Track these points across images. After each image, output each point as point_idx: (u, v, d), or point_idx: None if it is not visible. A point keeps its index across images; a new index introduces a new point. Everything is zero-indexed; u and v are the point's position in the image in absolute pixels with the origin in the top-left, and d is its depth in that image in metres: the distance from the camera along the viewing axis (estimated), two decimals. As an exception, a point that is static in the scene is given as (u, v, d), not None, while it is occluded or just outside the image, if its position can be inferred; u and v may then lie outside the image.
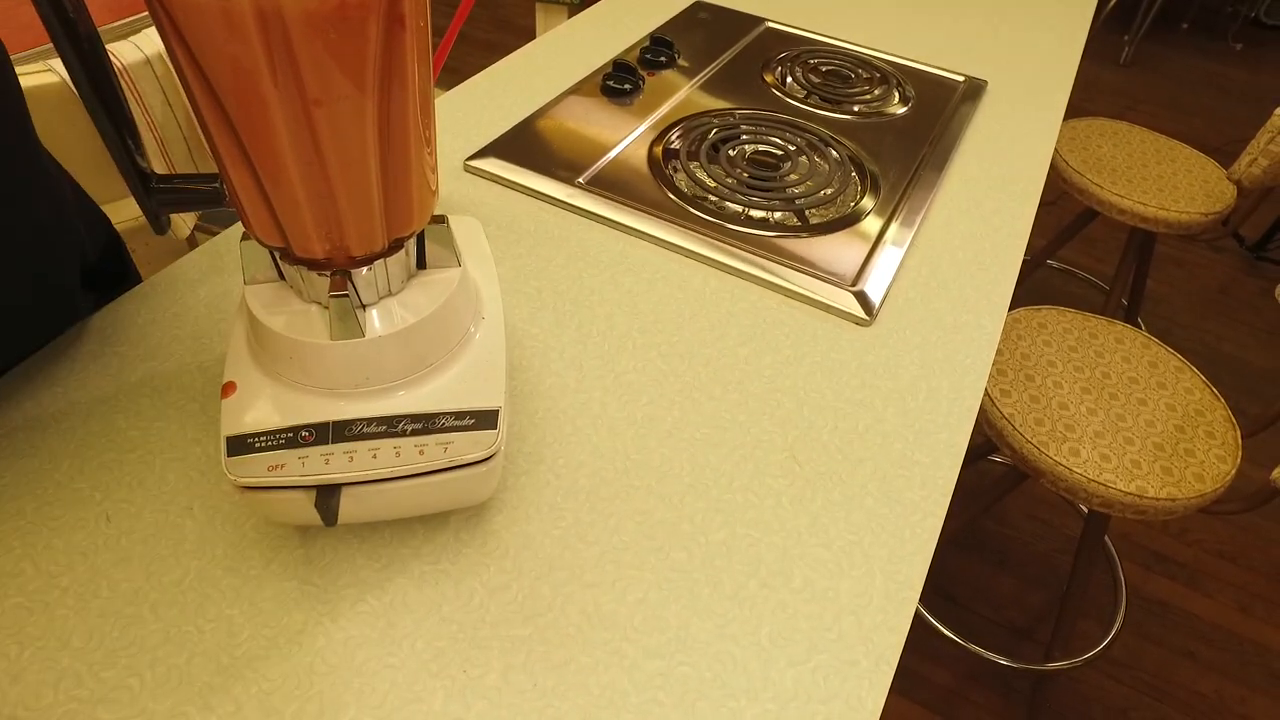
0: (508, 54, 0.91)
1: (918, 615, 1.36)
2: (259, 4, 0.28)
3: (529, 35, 3.02)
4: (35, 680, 0.38)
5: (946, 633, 1.34)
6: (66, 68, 0.37)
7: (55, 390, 0.50)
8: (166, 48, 0.31)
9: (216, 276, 0.60)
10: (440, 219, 0.41)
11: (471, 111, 0.80)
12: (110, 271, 0.58)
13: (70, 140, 1.00)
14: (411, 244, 0.40)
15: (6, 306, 0.46)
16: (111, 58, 1.01)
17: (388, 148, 0.35)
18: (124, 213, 1.30)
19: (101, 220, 0.58)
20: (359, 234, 0.37)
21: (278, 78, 0.30)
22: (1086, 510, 1.40)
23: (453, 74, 2.76)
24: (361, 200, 0.35)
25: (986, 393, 1.01)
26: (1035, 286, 2.09)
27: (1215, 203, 1.41)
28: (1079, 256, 2.20)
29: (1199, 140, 2.74)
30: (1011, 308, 1.10)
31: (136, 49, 1.04)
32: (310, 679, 0.39)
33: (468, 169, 0.72)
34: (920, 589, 0.46)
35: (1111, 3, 3.15)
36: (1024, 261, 1.88)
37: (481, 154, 0.73)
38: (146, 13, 1.10)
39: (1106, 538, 1.52)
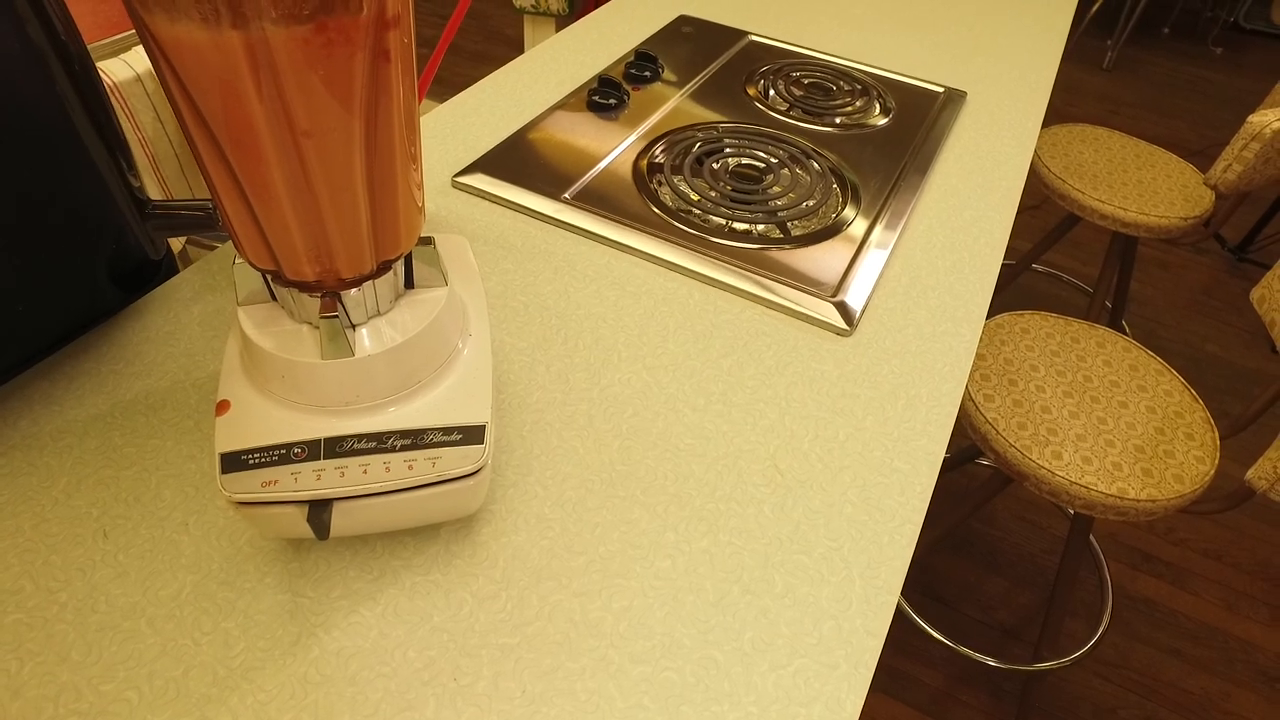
0: (496, 64, 0.92)
1: (907, 618, 1.38)
2: (249, 42, 0.29)
3: (517, 45, 3.04)
4: (35, 695, 0.39)
5: (936, 635, 1.35)
6: (59, 90, 0.38)
7: (52, 408, 0.51)
8: (161, 82, 0.32)
9: (209, 295, 0.61)
10: (427, 240, 0.43)
11: (459, 128, 0.82)
12: (146, 271, 0.58)
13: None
14: (399, 265, 0.42)
15: (34, 292, 0.46)
16: (102, 75, 1.02)
17: (374, 173, 0.36)
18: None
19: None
20: (348, 257, 0.38)
21: (268, 111, 0.31)
22: (1072, 511, 1.42)
23: (441, 84, 2.77)
24: (350, 226, 0.37)
25: (971, 398, 1.02)
26: (1021, 290, 2.11)
27: (1194, 207, 1.43)
28: (1064, 260, 2.23)
29: (1181, 142, 2.77)
30: (998, 312, 1.12)
31: (127, 66, 1.05)
32: (305, 689, 0.40)
33: (455, 185, 0.73)
34: (899, 593, 0.47)
35: (1094, 8, 3.19)
36: (1009, 266, 1.91)
37: (469, 170, 0.74)
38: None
39: (1093, 538, 1.54)
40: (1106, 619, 1.41)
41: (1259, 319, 2.09)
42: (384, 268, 0.40)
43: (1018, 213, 2.40)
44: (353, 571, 0.45)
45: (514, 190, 0.72)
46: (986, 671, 1.32)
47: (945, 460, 1.47)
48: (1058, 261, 2.22)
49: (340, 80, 0.32)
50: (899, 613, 1.38)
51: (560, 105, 0.85)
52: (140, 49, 1.07)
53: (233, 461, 0.39)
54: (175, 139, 1.12)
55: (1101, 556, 1.51)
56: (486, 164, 0.75)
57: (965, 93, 0.99)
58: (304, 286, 0.39)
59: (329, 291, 0.39)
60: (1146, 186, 1.48)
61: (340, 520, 0.41)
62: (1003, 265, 2.11)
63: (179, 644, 0.41)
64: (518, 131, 0.80)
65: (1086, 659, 1.36)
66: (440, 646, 0.42)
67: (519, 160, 0.76)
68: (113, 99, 1.04)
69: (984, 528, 1.54)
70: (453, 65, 2.91)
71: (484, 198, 0.72)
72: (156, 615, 0.42)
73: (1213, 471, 0.97)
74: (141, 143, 1.09)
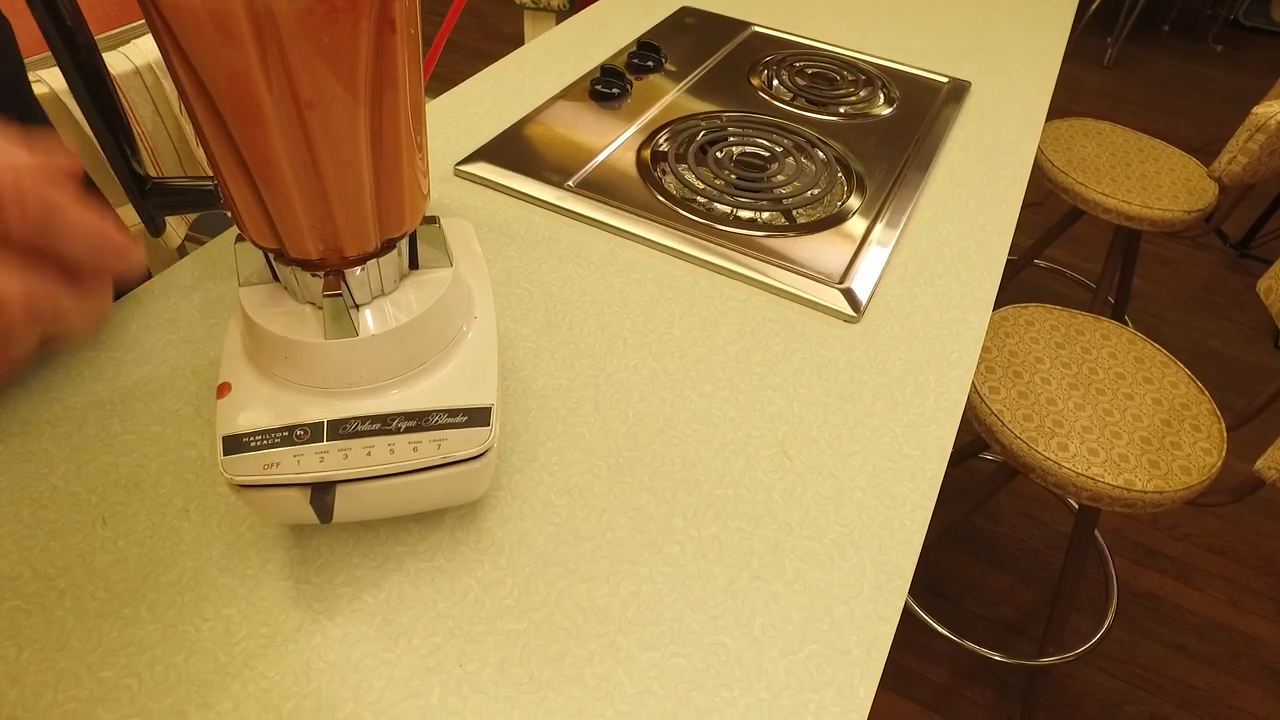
0: (496, 62, 0.91)
1: (912, 613, 1.37)
2: (252, 7, 0.29)
3: (518, 43, 3.03)
4: (34, 681, 0.38)
5: (941, 630, 1.35)
6: (64, 74, 0.37)
7: (50, 395, 0.50)
8: (161, 51, 0.31)
9: (209, 282, 0.60)
10: (432, 219, 0.42)
11: (461, 117, 0.81)
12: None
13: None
14: (404, 244, 0.41)
15: None
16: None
17: (380, 149, 0.36)
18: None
19: None
20: (352, 234, 0.37)
21: (271, 81, 0.31)
22: (1076, 505, 1.41)
23: (442, 82, 2.77)
24: (354, 201, 0.36)
25: (976, 389, 1.02)
26: (1023, 286, 2.11)
27: (1198, 200, 1.43)
28: (1066, 256, 2.22)
29: (1182, 140, 2.77)
30: (1000, 307, 1.12)
31: (126, 59, 1.04)
32: (307, 676, 0.39)
33: (458, 173, 0.73)
34: (910, 578, 0.46)
35: (1094, 6, 3.19)
36: (1012, 261, 1.90)
37: (472, 158, 0.73)
38: (136, 23, 1.11)
39: (1098, 533, 1.53)
40: (1111, 614, 1.40)
41: (1261, 314, 2.08)
42: (388, 246, 0.39)
43: (1020, 209, 2.40)
44: (356, 558, 0.44)
45: (517, 178, 0.71)
46: (991, 667, 1.32)
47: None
48: (1060, 258, 2.22)
49: (345, 48, 0.31)
50: (903, 608, 1.37)
51: (562, 95, 0.85)
52: (139, 42, 1.06)
53: (234, 444, 0.38)
54: (174, 133, 1.11)
55: (1106, 552, 1.50)
56: (489, 152, 0.74)
57: (970, 83, 0.98)
58: (307, 265, 0.38)
59: (332, 270, 0.38)
60: (1150, 180, 1.47)
61: (344, 504, 0.40)
62: (1005, 260, 2.10)
63: (180, 630, 0.40)
64: (520, 120, 0.80)
65: (1091, 654, 1.35)
66: (445, 633, 0.41)
67: (521, 148, 0.75)
68: (112, 91, 1.04)
69: (988, 524, 1.53)
70: (452, 63, 2.90)
71: (487, 186, 0.72)
72: (157, 602, 0.41)
73: (1220, 463, 0.97)
74: (141, 136, 1.08)
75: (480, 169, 0.72)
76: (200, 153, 1.13)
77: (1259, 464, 0.89)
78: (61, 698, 0.37)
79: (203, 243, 0.72)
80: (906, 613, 1.37)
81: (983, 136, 0.89)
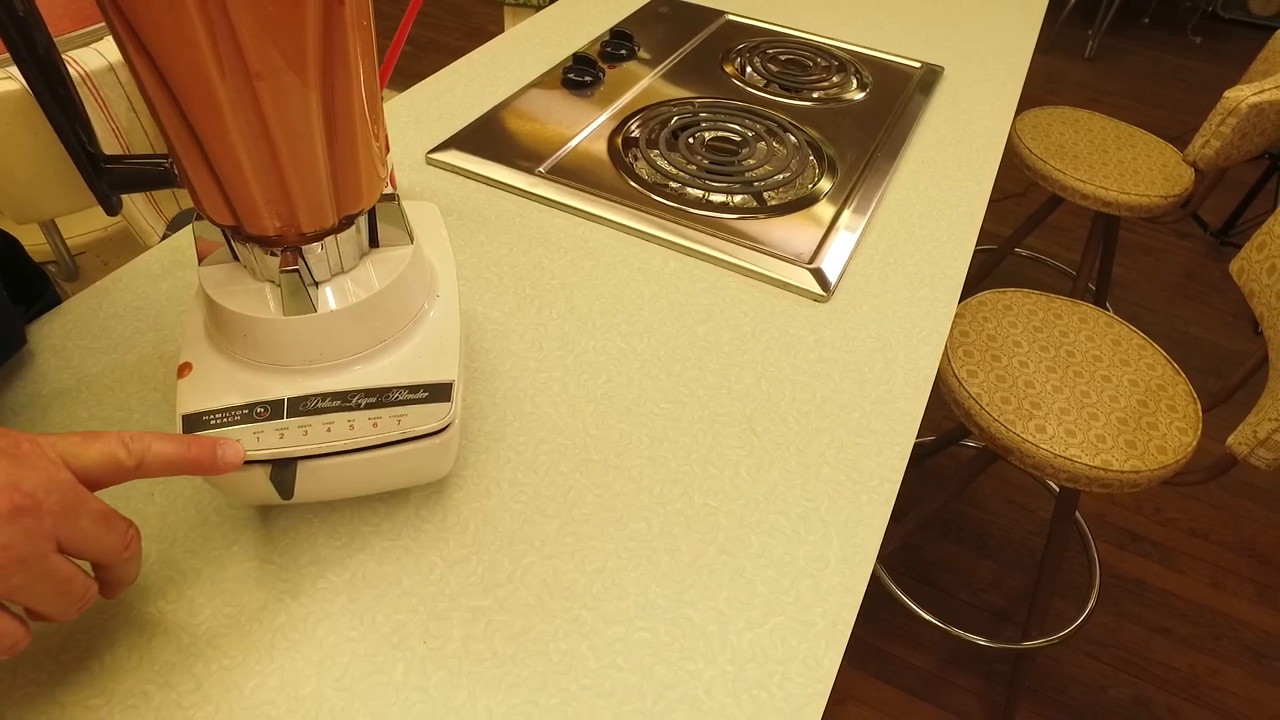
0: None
1: (899, 601, 1.38)
2: (194, -24, 0.29)
3: (500, 41, 3.02)
4: (-7, 663, 0.38)
5: (927, 617, 1.35)
6: (10, 50, 0.37)
7: (14, 383, 0.50)
8: (107, 22, 0.31)
9: (179, 270, 0.60)
10: (391, 196, 0.42)
11: (433, 106, 0.81)
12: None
13: (35, 149, 0.99)
14: (363, 222, 0.41)
15: None
16: (76, 65, 1.00)
17: (333, 126, 0.36)
18: (93, 222, 1.29)
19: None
20: (308, 209, 0.37)
21: (219, 50, 0.31)
22: (1057, 488, 1.42)
23: (419, 80, 2.76)
24: (309, 175, 0.36)
25: (955, 374, 1.02)
26: (1005, 275, 2.12)
27: (1174, 186, 1.44)
28: (1047, 245, 2.24)
29: (1162, 130, 2.78)
30: (980, 294, 1.12)
31: (100, 55, 1.04)
32: (271, 654, 0.39)
33: (429, 161, 0.73)
34: (876, 552, 0.47)
35: (1074, -2, 3.20)
36: (992, 250, 1.91)
37: (443, 146, 0.73)
38: (108, 19, 1.10)
39: (1081, 518, 1.54)
40: (1094, 598, 1.41)
41: (1241, 302, 2.10)
42: (346, 222, 0.39)
43: (1003, 200, 2.40)
44: (321, 538, 0.44)
45: (488, 165, 0.71)
46: (978, 653, 1.32)
47: (929, 444, 1.47)
48: (1041, 247, 2.23)
49: (291, 19, 0.31)
50: (888, 596, 1.38)
51: (535, 84, 0.85)
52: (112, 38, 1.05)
53: (194, 423, 0.38)
54: (149, 129, 1.10)
55: (1090, 537, 1.51)
56: (460, 140, 0.74)
57: (942, 68, 0.98)
58: (265, 242, 0.38)
59: (290, 246, 0.38)
60: (1127, 166, 1.48)
61: (306, 482, 0.40)
62: (986, 250, 2.12)
63: (143, 612, 0.40)
64: (492, 109, 0.80)
65: (1076, 638, 1.36)
66: (409, 610, 0.41)
67: (493, 136, 0.75)
68: (86, 89, 1.03)
69: (972, 511, 1.54)
70: (434, 62, 2.90)
71: (458, 173, 0.72)
72: (119, 584, 0.41)
73: (1195, 442, 0.97)
74: (116, 133, 1.08)
75: (451, 157, 0.72)
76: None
77: (1230, 440, 0.90)
78: (20, 681, 0.37)
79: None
80: (892, 600, 1.38)
81: (955, 120, 0.89)
